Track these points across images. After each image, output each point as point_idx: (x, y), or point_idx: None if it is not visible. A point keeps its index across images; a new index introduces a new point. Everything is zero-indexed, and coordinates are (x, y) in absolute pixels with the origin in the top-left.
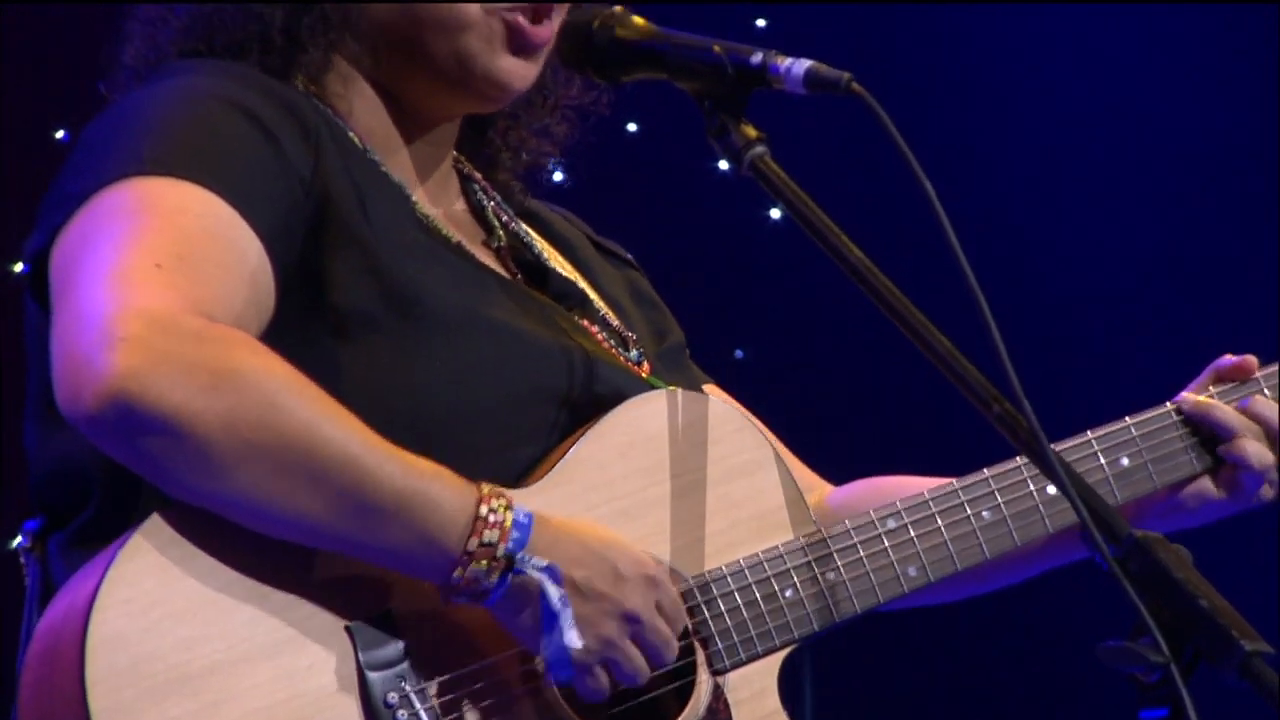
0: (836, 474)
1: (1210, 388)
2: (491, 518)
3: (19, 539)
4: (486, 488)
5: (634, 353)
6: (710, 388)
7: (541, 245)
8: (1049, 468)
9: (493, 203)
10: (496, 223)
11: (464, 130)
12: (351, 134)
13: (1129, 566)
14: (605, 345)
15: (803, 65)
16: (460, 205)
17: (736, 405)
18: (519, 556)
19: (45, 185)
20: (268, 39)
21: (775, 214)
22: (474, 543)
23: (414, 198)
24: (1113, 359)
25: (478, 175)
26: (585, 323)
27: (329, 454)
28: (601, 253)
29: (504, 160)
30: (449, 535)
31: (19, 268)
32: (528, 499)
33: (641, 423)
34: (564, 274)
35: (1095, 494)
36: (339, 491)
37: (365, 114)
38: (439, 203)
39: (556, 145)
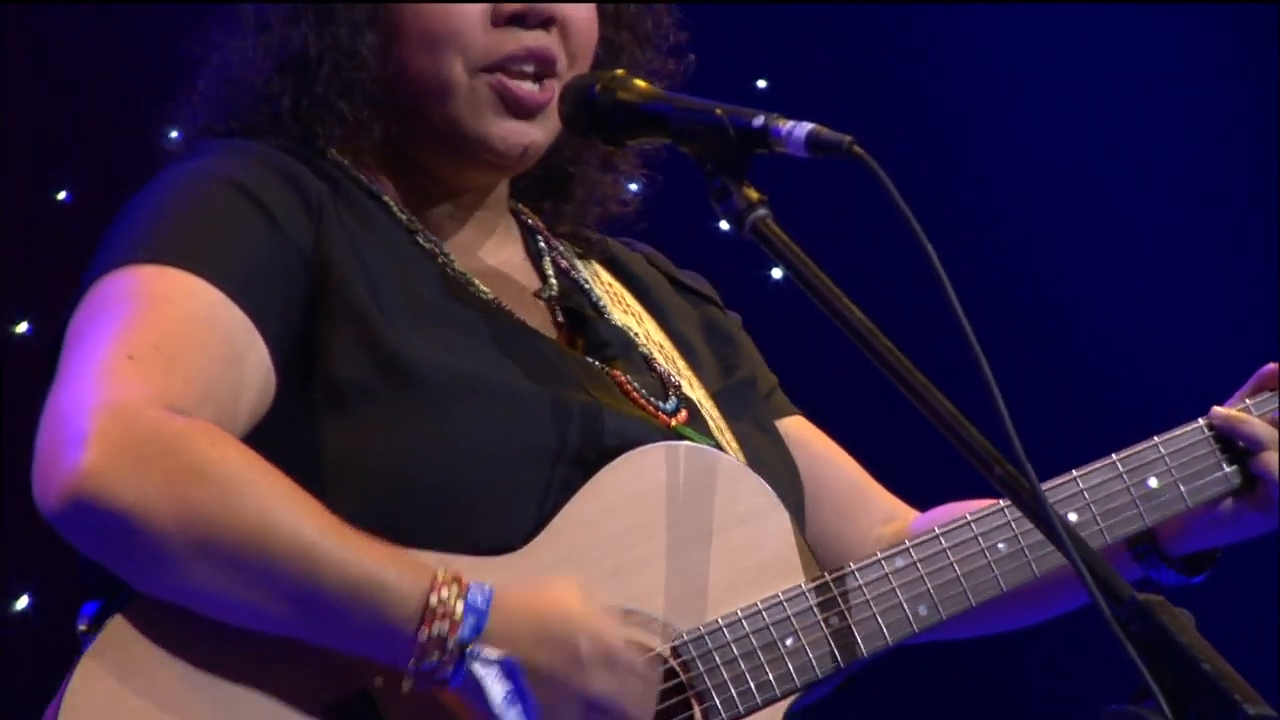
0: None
1: (1247, 400)
2: (440, 608)
3: (79, 623)
4: (441, 573)
5: (671, 402)
6: (792, 420)
7: (604, 290)
8: (1051, 529)
9: (554, 252)
10: (552, 272)
11: (526, 180)
12: (386, 197)
13: (1131, 629)
14: (634, 395)
15: (804, 128)
16: (514, 256)
17: (819, 436)
18: (469, 651)
19: (45, 247)
20: (278, 118)
21: (777, 274)
22: (424, 634)
23: (450, 256)
24: (1141, 376)
25: (542, 226)
26: (617, 373)
27: (280, 546)
28: (680, 290)
29: (567, 211)
30: (401, 625)
31: (21, 328)
32: (518, 563)
33: (634, 479)
34: (613, 322)
35: (1099, 557)
36: (291, 583)
37: (392, 178)
38: (481, 258)
39: (626, 191)
